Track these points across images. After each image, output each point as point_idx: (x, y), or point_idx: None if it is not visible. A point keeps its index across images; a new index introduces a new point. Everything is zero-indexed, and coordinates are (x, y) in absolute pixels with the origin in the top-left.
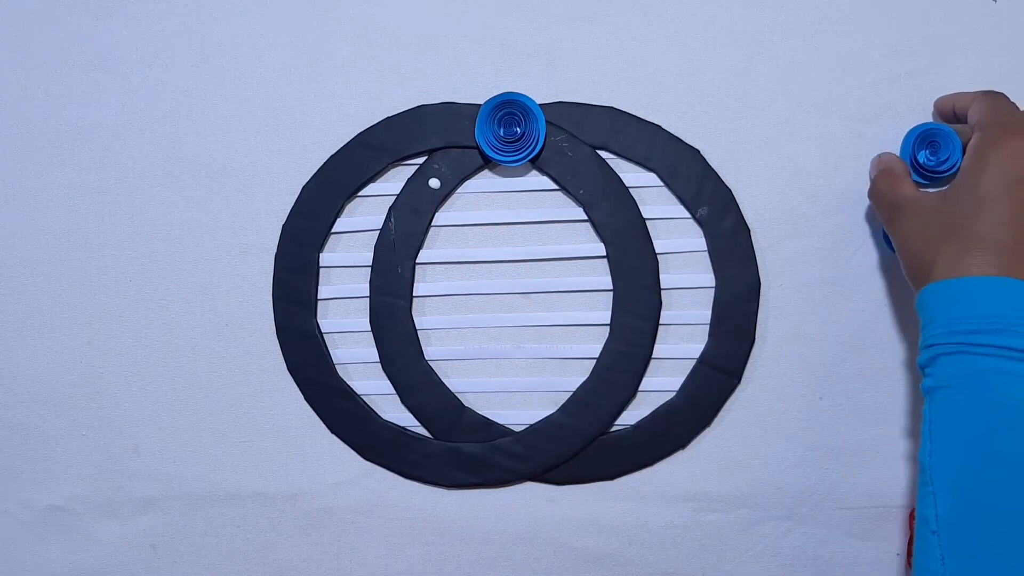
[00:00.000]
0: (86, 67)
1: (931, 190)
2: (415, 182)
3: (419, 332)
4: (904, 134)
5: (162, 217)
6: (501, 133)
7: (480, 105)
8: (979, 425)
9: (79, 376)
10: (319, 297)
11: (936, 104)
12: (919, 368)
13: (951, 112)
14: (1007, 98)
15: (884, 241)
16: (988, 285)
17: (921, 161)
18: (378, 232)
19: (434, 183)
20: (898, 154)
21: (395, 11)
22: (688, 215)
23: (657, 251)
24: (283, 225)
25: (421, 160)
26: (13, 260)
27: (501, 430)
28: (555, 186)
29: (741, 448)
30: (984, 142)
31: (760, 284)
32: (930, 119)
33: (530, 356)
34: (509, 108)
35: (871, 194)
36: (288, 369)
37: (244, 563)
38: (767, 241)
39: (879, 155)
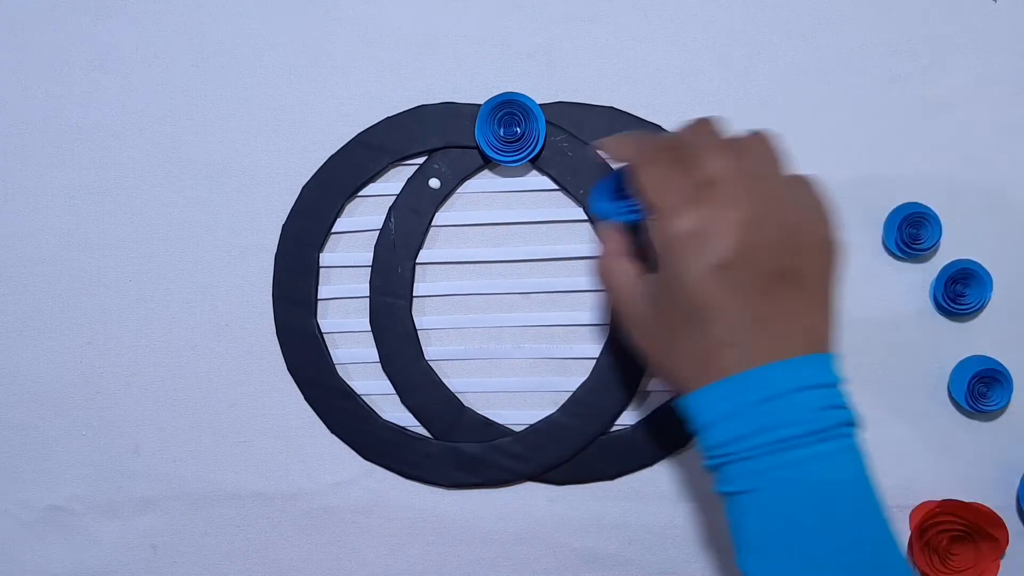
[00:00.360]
0: (86, 67)
1: (641, 289)
2: (415, 182)
3: (419, 332)
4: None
5: (162, 217)
6: (501, 133)
7: (480, 105)
8: (778, 524)
9: (79, 376)
10: (319, 297)
11: (604, 145)
12: (707, 471)
13: (619, 161)
14: (668, 156)
15: (884, 241)
16: (728, 389)
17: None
18: (378, 232)
19: (434, 183)
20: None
21: (395, 11)
22: None
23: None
24: (283, 225)
25: (421, 160)
26: (13, 260)
27: (501, 430)
28: (555, 186)
29: None
30: (663, 235)
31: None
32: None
33: (530, 356)
34: (509, 108)
35: (595, 273)
36: (288, 369)
37: (244, 563)
38: None
39: (598, 227)
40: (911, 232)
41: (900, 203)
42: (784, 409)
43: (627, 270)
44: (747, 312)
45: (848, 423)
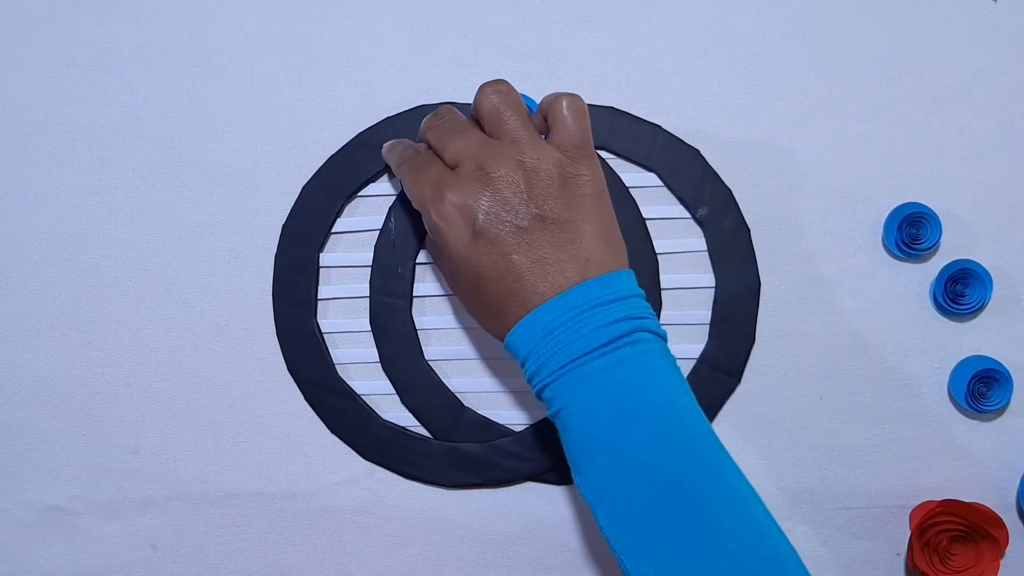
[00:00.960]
0: (86, 67)
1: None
2: None
3: (419, 332)
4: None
5: (162, 217)
6: None
7: None
8: (588, 433)
9: (79, 376)
10: (319, 297)
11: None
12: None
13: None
14: (415, 156)
15: (884, 241)
16: (524, 329)
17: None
18: (378, 232)
19: None
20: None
21: (395, 11)
22: (688, 215)
23: (657, 251)
24: (283, 225)
25: None
26: (13, 260)
27: (501, 430)
28: None
29: (741, 448)
30: (431, 226)
31: (760, 284)
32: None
33: None
34: None
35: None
36: (288, 369)
37: (244, 563)
38: (767, 241)
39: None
40: (911, 232)
41: (900, 203)
42: (568, 333)
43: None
44: (516, 263)
45: (637, 331)
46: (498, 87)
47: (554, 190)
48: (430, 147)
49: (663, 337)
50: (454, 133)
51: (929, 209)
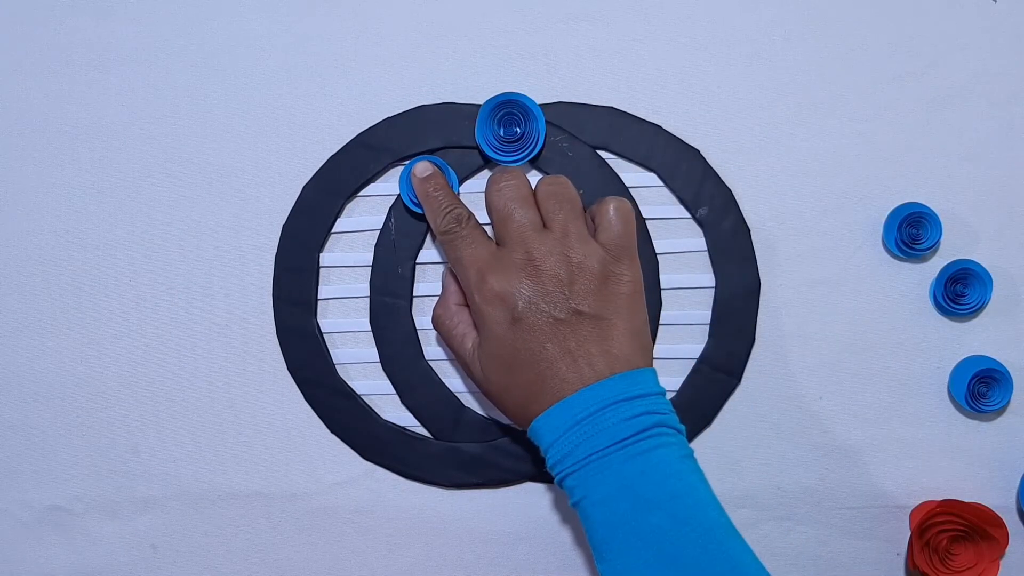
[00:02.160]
0: (86, 67)
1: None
2: None
3: (419, 332)
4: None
5: (162, 217)
6: (501, 133)
7: (480, 105)
8: (610, 522)
9: (79, 376)
10: (319, 297)
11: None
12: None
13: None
14: (456, 245)
15: (884, 241)
16: (551, 419)
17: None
18: (378, 232)
19: None
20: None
21: (395, 11)
22: (688, 215)
23: (657, 251)
24: (283, 225)
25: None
26: (13, 260)
27: (501, 430)
28: None
29: (741, 448)
30: (474, 309)
31: (760, 284)
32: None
33: None
34: (509, 108)
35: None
36: (288, 369)
37: (244, 563)
38: (767, 241)
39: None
40: (911, 232)
41: (900, 203)
42: (594, 425)
43: (468, 325)
44: (549, 352)
45: (658, 425)
46: (558, 179)
47: (594, 287)
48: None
49: (682, 432)
50: (513, 207)
51: (929, 209)
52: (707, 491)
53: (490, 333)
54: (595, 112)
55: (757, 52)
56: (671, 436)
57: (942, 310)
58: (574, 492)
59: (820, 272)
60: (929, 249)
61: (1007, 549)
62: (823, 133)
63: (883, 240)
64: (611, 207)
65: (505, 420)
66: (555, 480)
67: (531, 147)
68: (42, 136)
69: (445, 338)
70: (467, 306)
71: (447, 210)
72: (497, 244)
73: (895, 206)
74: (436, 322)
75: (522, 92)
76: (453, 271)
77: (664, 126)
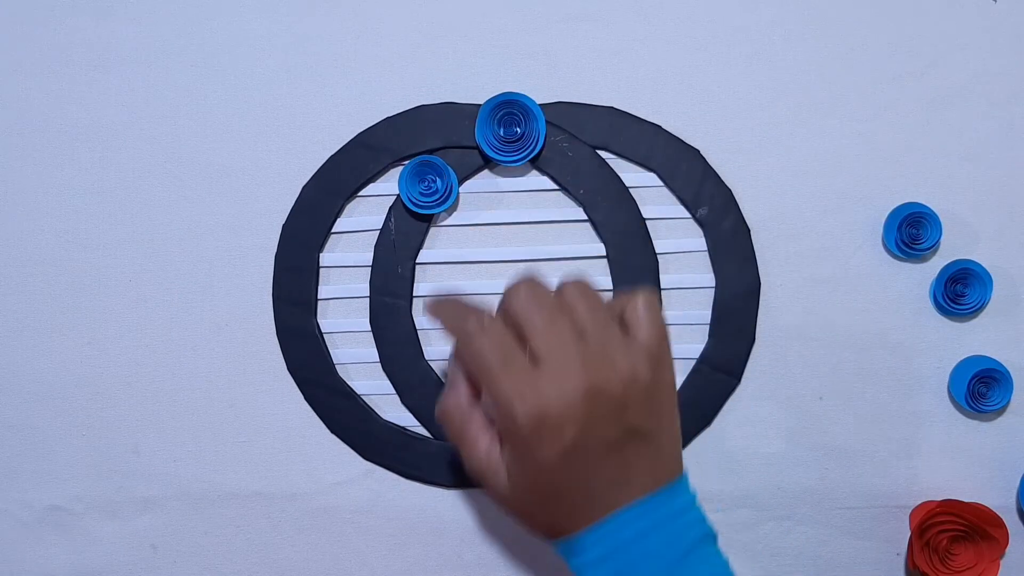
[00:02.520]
0: (86, 67)
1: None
2: None
3: (419, 332)
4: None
5: (162, 217)
6: (501, 133)
7: (480, 105)
8: None
9: (79, 376)
10: (319, 297)
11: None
12: None
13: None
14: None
15: (884, 241)
16: (589, 540)
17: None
18: (378, 232)
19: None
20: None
21: (395, 11)
22: (688, 215)
23: (657, 251)
24: (283, 225)
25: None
26: (13, 260)
27: None
28: (555, 186)
29: (741, 448)
30: (500, 424)
31: (760, 284)
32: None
33: None
34: (509, 108)
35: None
36: (288, 369)
37: (244, 563)
38: (767, 241)
39: (453, 355)
40: (911, 232)
41: (900, 203)
42: (637, 550)
43: (481, 425)
44: (595, 478)
45: (703, 536)
46: (580, 281)
47: (644, 400)
48: (508, 316)
49: (715, 537)
50: (544, 321)
51: (929, 209)
52: None
53: (529, 465)
54: (595, 112)
55: (757, 52)
56: (714, 552)
57: (942, 310)
58: None
59: (820, 272)
60: (929, 249)
61: (1007, 549)
62: (823, 133)
63: (883, 240)
64: (639, 305)
65: None
66: None
67: (531, 147)
68: (42, 136)
69: (453, 436)
70: (478, 398)
71: (467, 316)
72: (530, 358)
73: (895, 206)
74: (445, 418)
75: (522, 92)
76: (469, 372)
77: (664, 126)
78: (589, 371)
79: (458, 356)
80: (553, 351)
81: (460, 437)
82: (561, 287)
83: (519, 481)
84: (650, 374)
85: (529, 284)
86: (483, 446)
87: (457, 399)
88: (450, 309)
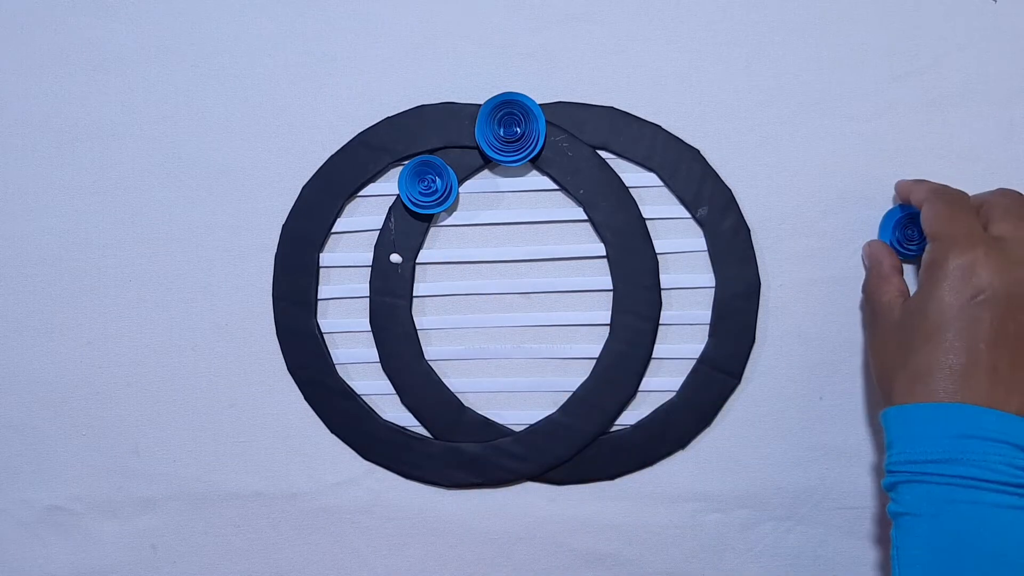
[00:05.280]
0: (86, 67)
1: (902, 299)
2: None
3: (419, 332)
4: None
5: (162, 217)
6: (501, 133)
7: (480, 105)
8: (942, 555)
9: (79, 376)
10: (319, 297)
11: (897, 188)
12: (884, 490)
13: (908, 201)
14: (960, 200)
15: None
16: (937, 413)
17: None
18: (378, 232)
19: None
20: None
21: (395, 11)
22: (688, 215)
23: (657, 251)
24: (283, 225)
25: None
26: (13, 260)
27: (501, 430)
28: (555, 186)
29: (741, 448)
30: (933, 261)
31: (760, 284)
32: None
33: (530, 356)
34: (509, 108)
35: (864, 289)
36: (288, 369)
37: (244, 563)
38: (767, 241)
39: (868, 245)
40: (909, 232)
41: (899, 203)
42: (983, 451)
43: (895, 288)
44: (977, 352)
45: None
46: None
47: None
48: (969, 203)
49: None
50: (1016, 214)
51: None
52: None
53: (936, 297)
54: (595, 112)
55: (757, 52)
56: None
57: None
58: (911, 504)
59: (820, 272)
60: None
61: None
62: (824, 133)
63: (882, 240)
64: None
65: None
66: (890, 479)
67: (531, 147)
68: (42, 136)
69: (875, 272)
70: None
71: (939, 187)
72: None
73: (894, 206)
74: (875, 253)
75: (522, 92)
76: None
77: (664, 126)
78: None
79: (924, 208)
80: (1014, 238)
81: (880, 272)
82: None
83: (907, 323)
84: None
85: (1017, 193)
86: (889, 305)
87: (886, 247)
88: (919, 184)
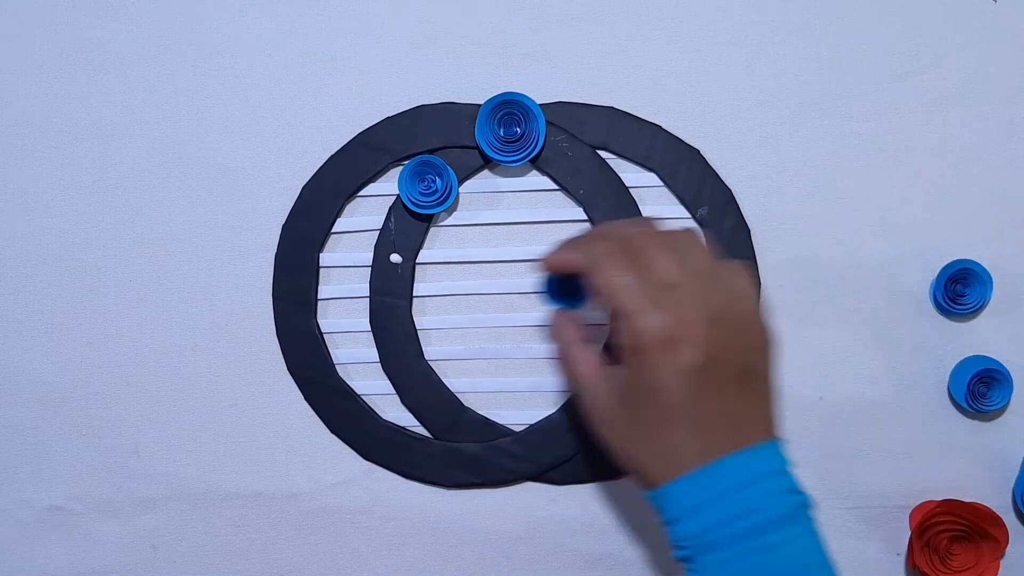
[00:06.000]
0: (86, 67)
1: (608, 382)
2: None
3: (419, 332)
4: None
5: (162, 217)
6: (501, 133)
7: (480, 105)
8: None
9: (79, 376)
10: (319, 297)
11: (551, 263)
12: (676, 559)
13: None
14: (626, 251)
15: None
16: (697, 482)
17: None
18: (378, 232)
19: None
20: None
21: (395, 11)
22: (688, 215)
23: None
24: (283, 225)
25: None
26: (13, 260)
27: (501, 430)
28: (555, 186)
29: None
30: (628, 338)
31: (760, 284)
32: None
33: (530, 356)
34: (509, 108)
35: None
36: (288, 369)
37: (244, 563)
38: (767, 241)
39: (551, 323)
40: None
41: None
42: (750, 497)
43: (589, 360)
44: (712, 411)
45: (805, 506)
46: (690, 231)
47: (764, 344)
48: (628, 247)
49: (813, 508)
50: (667, 249)
51: None
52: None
53: (647, 382)
54: (595, 112)
55: (757, 52)
56: (814, 522)
57: (942, 310)
58: (707, 571)
59: (820, 272)
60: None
61: (1007, 549)
62: (823, 133)
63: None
64: (742, 269)
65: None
66: (678, 553)
67: (531, 147)
68: (42, 136)
69: (562, 351)
70: (588, 343)
71: (599, 242)
72: (659, 282)
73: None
74: (556, 332)
75: (522, 92)
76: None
77: (664, 126)
78: (716, 301)
79: (591, 282)
80: (682, 278)
81: (567, 353)
82: (673, 232)
83: (629, 405)
84: (765, 323)
85: (647, 221)
86: (590, 362)
87: (567, 318)
88: (565, 252)
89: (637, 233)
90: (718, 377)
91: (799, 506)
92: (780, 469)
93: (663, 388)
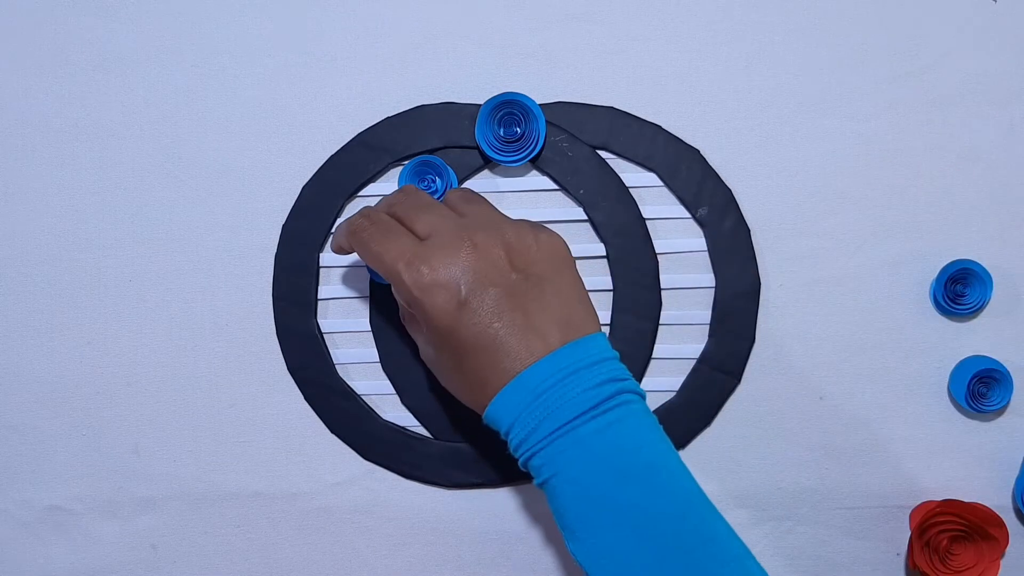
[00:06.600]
0: (86, 67)
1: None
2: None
3: None
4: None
5: (162, 217)
6: (501, 133)
7: (480, 105)
8: (591, 493)
9: (79, 376)
10: (319, 297)
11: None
12: (523, 469)
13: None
14: (379, 223)
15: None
16: (509, 394)
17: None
18: None
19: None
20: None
21: (395, 11)
22: (688, 215)
23: (657, 251)
24: (283, 225)
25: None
26: (13, 260)
27: None
28: (555, 186)
29: (741, 448)
30: (400, 298)
31: (760, 284)
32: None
33: None
34: (509, 108)
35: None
36: (288, 369)
37: (244, 563)
38: (767, 241)
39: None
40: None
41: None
42: (556, 397)
43: (410, 325)
44: (498, 330)
45: (621, 392)
46: (464, 189)
47: (534, 250)
48: (390, 209)
49: (644, 397)
50: (424, 208)
51: None
52: (679, 461)
53: (435, 325)
54: (595, 112)
55: (757, 52)
56: (636, 403)
57: (942, 310)
58: (541, 471)
59: (820, 272)
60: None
61: (1007, 549)
62: (823, 133)
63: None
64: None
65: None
66: (520, 462)
67: (531, 147)
68: (42, 136)
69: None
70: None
71: (356, 217)
72: (416, 236)
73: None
74: (404, 322)
75: (522, 92)
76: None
77: (664, 126)
78: (472, 233)
79: (362, 256)
80: (437, 225)
81: (408, 327)
82: (448, 194)
83: (436, 356)
84: (532, 232)
85: (410, 188)
86: (411, 327)
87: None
88: (340, 233)
89: (395, 201)
90: (492, 298)
91: (611, 395)
92: (585, 364)
93: (444, 328)
